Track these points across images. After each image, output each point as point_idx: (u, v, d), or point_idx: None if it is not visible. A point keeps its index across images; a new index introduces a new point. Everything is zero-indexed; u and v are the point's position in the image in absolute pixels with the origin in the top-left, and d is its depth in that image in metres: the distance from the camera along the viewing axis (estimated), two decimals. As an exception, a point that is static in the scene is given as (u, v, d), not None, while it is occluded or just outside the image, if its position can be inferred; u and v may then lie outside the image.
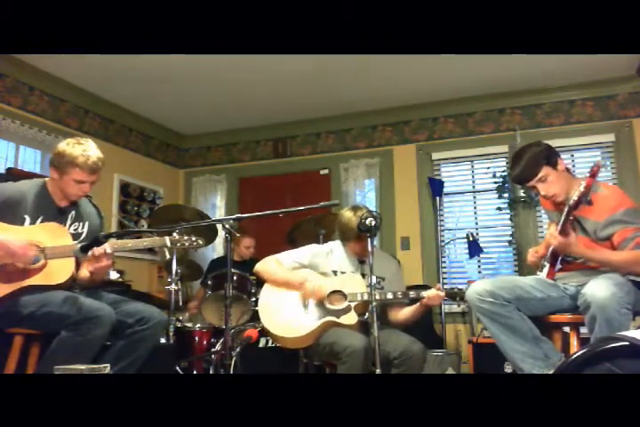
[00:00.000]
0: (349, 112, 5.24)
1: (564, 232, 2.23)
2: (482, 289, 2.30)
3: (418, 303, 2.66)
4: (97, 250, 2.26)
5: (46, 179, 2.48)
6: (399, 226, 5.04)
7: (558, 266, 2.41)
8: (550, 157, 2.34)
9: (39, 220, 2.36)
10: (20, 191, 2.38)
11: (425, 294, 2.59)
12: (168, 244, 2.40)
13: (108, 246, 2.29)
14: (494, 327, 2.29)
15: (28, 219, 2.34)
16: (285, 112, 5.25)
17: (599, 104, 4.63)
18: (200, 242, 2.45)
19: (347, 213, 2.75)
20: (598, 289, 2.08)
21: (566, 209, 2.22)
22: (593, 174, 2.16)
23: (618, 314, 2.03)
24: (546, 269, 2.40)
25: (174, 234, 2.48)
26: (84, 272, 2.39)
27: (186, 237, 2.43)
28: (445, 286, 4.74)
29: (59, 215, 2.43)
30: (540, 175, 2.32)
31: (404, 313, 2.74)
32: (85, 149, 2.36)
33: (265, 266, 2.80)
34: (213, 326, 3.73)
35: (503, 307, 2.26)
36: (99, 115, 4.89)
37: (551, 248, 2.35)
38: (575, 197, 2.18)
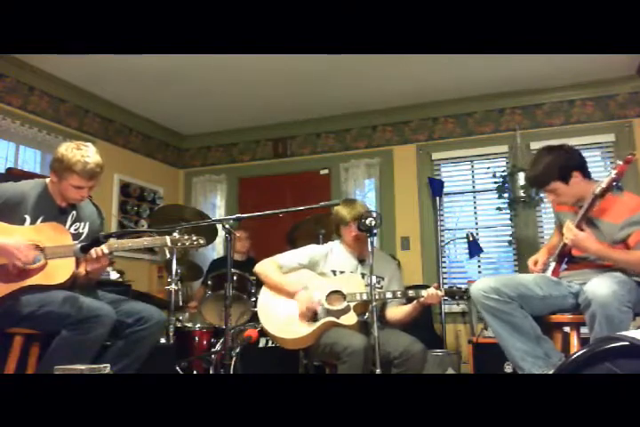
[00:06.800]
0: (349, 112, 5.24)
1: (580, 227, 2.23)
2: (486, 286, 2.30)
3: (415, 302, 2.64)
4: (97, 251, 2.26)
5: (47, 179, 2.48)
6: (399, 226, 5.04)
7: (564, 266, 2.41)
8: (565, 171, 2.29)
9: (39, 220, 2.36)
10: (21, 191, 2.38)
11: (424, 292, 2.58)
12: (169, 243, 2.39)
13: (105, 247, 2.29)
14: (496, 324, 2.29)
15: (28, 219, 2.34)
16: (285, 112, 5.25)
17: (599, 104, 4.63)
18: (201, 241, 2.44)
19: (338, 207, 2.82)
20: (599, 287, 2.08)
21: (591, 197, 2.21)
22: (627, 161, 2.14)
23: (618, 312, 2.03)
24: (551, 267, 2.39)
25: (175, 234, 2.47)
26: (81, 272, 2.38)
27: (186, 237, 2.42)
28: (445, 286, 4.76)
29: (59, 215, 2.43)
30: (549, 188, 2.35)
31: (401, 312, 2.74)
32: (84, 154, 2.32)
33: (264, 268, 2.80)
34: (213, 326, 3.73)
35: (507, 304, 2.26)
36: (99, 115, 4.89)
37: (561, 245, 2.35)
38: (604, 185, 2.16)
